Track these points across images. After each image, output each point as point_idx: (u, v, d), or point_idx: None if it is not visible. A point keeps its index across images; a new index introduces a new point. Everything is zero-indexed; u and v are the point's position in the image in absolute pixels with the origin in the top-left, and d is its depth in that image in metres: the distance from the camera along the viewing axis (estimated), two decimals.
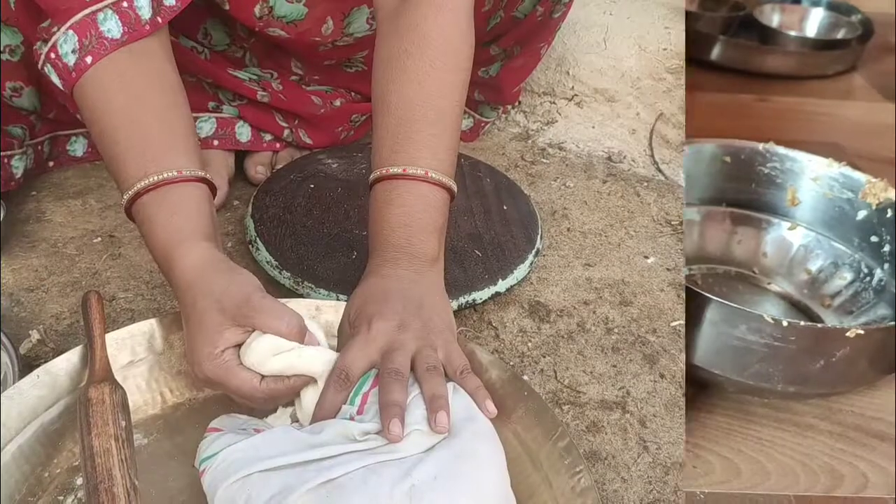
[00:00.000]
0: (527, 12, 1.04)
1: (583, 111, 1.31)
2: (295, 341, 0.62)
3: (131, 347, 0.67)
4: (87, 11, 0.71)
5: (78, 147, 1.02)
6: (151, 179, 0.66)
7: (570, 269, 0.94)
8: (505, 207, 0.97)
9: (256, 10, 0.89)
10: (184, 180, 0.67)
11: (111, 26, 0.71)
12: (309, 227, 0.90)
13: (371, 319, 0.64)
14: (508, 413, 0.64)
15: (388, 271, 0.68)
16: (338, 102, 1.06)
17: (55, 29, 0.72)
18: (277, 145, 1.06)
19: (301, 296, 0.82)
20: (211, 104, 1.02)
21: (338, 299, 0.80)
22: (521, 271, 0.88)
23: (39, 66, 0.74)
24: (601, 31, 1.35)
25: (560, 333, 0.84)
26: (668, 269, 0.96)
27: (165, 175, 0.66)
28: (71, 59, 0.71)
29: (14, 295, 0.82)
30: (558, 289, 0.91)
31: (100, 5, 0.71)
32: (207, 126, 1.02)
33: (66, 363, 0.65)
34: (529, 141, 1.24)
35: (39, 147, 0.98)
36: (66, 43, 0.71)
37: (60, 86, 0.73)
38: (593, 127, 1.29)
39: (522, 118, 1.29)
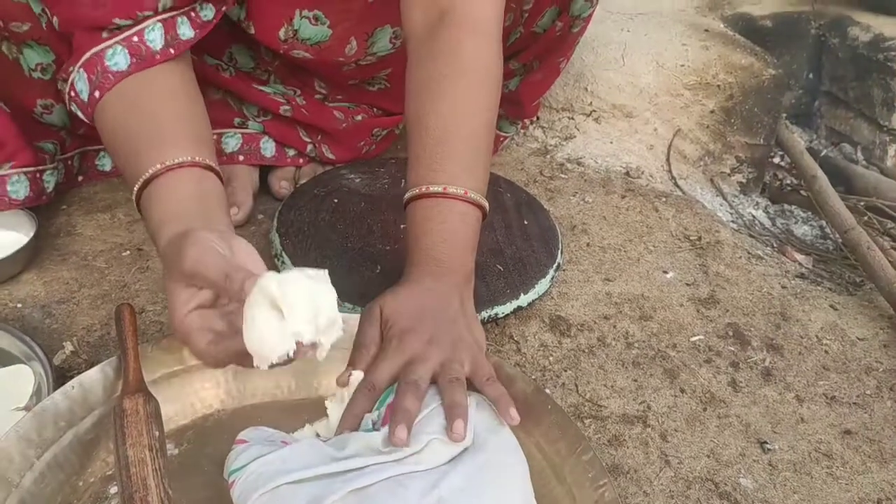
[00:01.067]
0: (546, 27, 1.06)
1: (601, 127, 1.32)
2: (235, 288, 0.58)
3: (163, 359, 0.69)
4: (95, 50, 0.76)
5: (107, 162, 1.05)
6: (142, 179, 0.70)
7: (590, 283, 0.95)
8: (525, 222, 0.99)
9: (281, 33, 0.91)
10: (168, 169, 0.69)
11: (118, 60, 0.76)
12: (333, 241, 0.92)
13: (403, 334, 0.66)
14: (532, 426, 0.65)
15: (429, 284, 0.70)
16: (359, 117, 1.08)
17: (71, 68, 0.77)
18: (301, 160, 1.08)
19: None
20: (236, 120, 1.04)
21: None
22: (542, 285, 0.89)
23: (67, 105, 0.80)
24: (619, 48, 1.37)
25: (581, 348, 0.85)
26: (687, 285, 0.97)
27: (149, 172, 0.69)
28: (85, 95, 0.77)
29: (46, 307, 0.84)
30: (578, 303, 0.91)
31: (108, 43, 0.76)
32: (233, 142, 1.04)
33: (99, 374, 0.66)
34: (548, 156, 1.25)
35: (69, 162, 1.00)
36: (79, 81, 0.77)
37: (85, 119, 0.79)
38: (611, 142, 1.30)
39: (541, 133, 1.31)
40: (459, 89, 0.75)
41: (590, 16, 1.07)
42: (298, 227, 0.94)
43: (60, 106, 0.93)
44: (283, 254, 0.90)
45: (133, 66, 0.76)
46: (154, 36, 0.78)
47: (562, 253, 0.96)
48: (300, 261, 0.88)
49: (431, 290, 0.70)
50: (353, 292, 0.84)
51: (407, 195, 0.74)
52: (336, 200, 0.99)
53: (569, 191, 1.15)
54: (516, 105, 1.18)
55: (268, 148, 1.06)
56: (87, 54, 0.76)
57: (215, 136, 1.03)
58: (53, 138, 0.95)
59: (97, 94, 0.76)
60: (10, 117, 0.87)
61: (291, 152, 1.08)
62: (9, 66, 0.88)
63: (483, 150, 0.76)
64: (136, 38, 0.77)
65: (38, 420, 0.61)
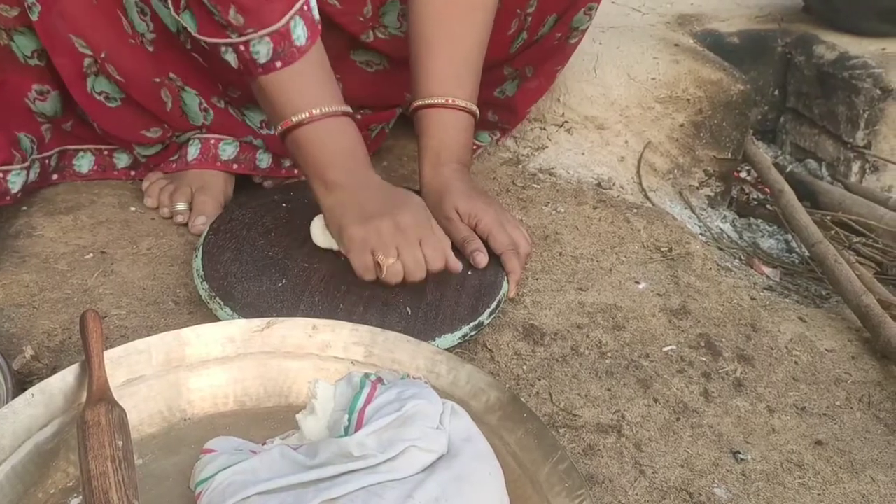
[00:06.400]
0: (544, 35, 1.08)
1: (573, 138, 1.32)
2: None
3: (128, 365, 0.67)
4: (283, 22, 0.78)
5: (84, 163, 1.02)
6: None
7: (563, 292, 0.95)
8: (469, 272, 0.88)
9: None
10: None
11: (299, 33, 0.80)
12: (258, 246, 0.88)
13: (490, 220, 0.91)
14: (507, 435, 0.64)
15: (464, 178, 0.94)
16: (358, 116, 1.08)
17: (250, 30, 0.78)
18: (296, 170, 1.05)
19: (210, 310, 0.81)
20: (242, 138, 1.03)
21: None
22: (444, 341, 0.80)
23: (220, 52, 0.81)
24: (591, 60, 1.38)
25: (554, 357, 0.84)
26: (658, 295, 0.97)
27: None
28: (262, 59, 0.79)
29: (4, 311, 0.81)
30: (552, 312, 0.91)
31: (291, 14, 0.79)
32: (230, 149, 1.02)
33: (60, 382, 0.64)
34: (520, 166, 1.25)
35: (46, 161, 0.97)
36: (259, 44, 0.79)
37: (245, 72, 0.82)
38: (583, 153, 1.31)
39: (513, 143, 1.30)
40: (486, 20, 0.94)
41: (587, 28, 1.10)
42: (233, 225, 0.91)
43: (56, 93, 0.92)
44: (201, 247, 0.87)
45: (309, 40, 0.81)
46: (313, 2, 0.81)
47: (493, 313, 0.85)
48: (210, 258, 0.85)
49: (469, 181, 0.94)
50: (242, 300, 0.80)
51: (432, 101, 0.92)
52: (285, 205, 0.96)
53: (541, 200, 1.15)
54: (510, 111, 1.19)
55: (263, 159, 1.04)
56: (278, 25, 0.78)
57: (213, 142, 1.02)
58: (34, 132, 0.92)
59: (279, 63, 0.80)
60: None
61: (287, 162, 1.05)
62: (1, 50, 0.86)
63: (480, 67, 0.96)
64: (306, 7, 0.80)
65: None
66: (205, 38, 0.80)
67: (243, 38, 0.78)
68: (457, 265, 0.84)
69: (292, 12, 0.78)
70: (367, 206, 0.81)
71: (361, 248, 0.80)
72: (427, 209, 0.85)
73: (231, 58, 0.80)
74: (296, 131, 0.82)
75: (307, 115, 0.81)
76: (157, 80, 0.94)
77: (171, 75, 0.95)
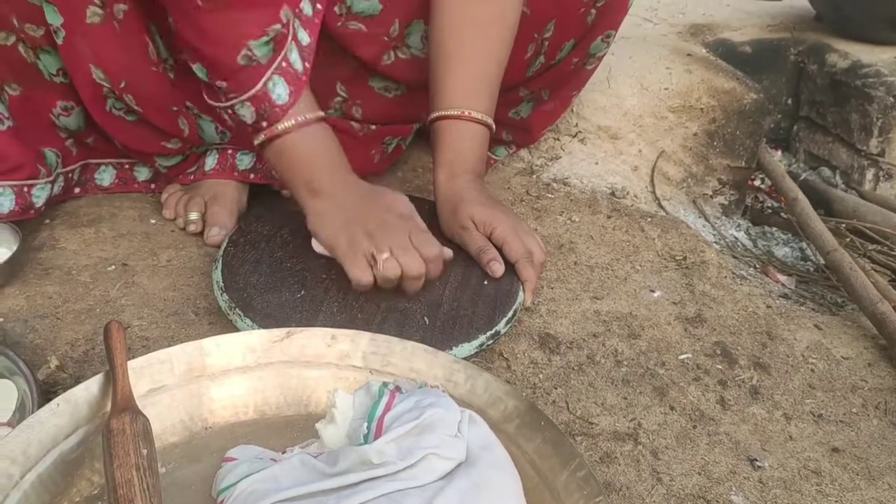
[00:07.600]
0: (562, 59, 1.09)
1: (586, 148, 1.33)
2: None
3: (151, 375, 0.68)
4: (259, 86, 0.80)
5: (106, 176, 1.04)
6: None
7: (579, 301, 0.95)
8: (485, 282, 0.89)
9: (336, 8, 0.95)
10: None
11: (280, 92, 0.81)
12: (277, 257, 0.89)
13: (505, 229, 0.91)
14: (525, 442, 0.65)
15: (478, 187, 0.95)
16: (373, 127, 1.09)
17: (232, 95, 0.80)
18: None
19: (230, 321, 0.82)
20: None
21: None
22: (462, 350, 0.81)
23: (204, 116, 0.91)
24: (604, 71, 1.38)
25: (571, 365, 0.85)
26: (673, 303, 0.98)
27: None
28: (249, 121, 0.82)
29: (28, 322, 0.82)
30: (567, 321, 0.92)
31: (267, 75, 0.80)
32: (247, 159, 1.03)
33: (84, 392, 0.65)
34: (534, 176, 1.26)
35: (70, 175, 0.99)
36: (242, 108, 0.81)
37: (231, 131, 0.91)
38: (596, 163, 1.31)
39: (527, 154, 1.31)
40: (505, 34, 0.95)
41: (603, 55, 1.12)
42: (252, 237, 0.92)
43: (80, 108, 0.94)
44: (220, 259, 0.88)
45: (292, 97, 0.82)
46: (294, 56, 0.82)
47: (509, 322, 0.86)
48: (230, 270, 0.86)
49: (484, 191, 0.95)
50: (262, 311, 0.81)
51: (441, 113, 0.94)
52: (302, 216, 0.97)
53: (555, 210, 1.15)
54: (526, 132, 1.20)
55: None
56: (254, 90, 0.79)
57: (231, 152, 1.03)
58: (58, 146, 0.94)
59: (264, 124, 0.82)
60: (15, 132, 0.88)
61: None
62: (28, 67, 0.88)
63: (498, 82, 0.97)
64: (284, 63, 0.80)
65: (23, 438, 0.60)
66: (210, 101, 0.84)
67: (228, 104, 0.81)
68: (448, 252, 0.87)
69: (269, 73, 0.79)
70: (350, 211, 0.83)
71: (354, 253, 0.81)
72: (410, 204, 0.88)
73: (227, 118, 0.84)
74: (278, 141, 0.84)
75: (293, 122, 0.83)
76: (175, 108, 0.96)
77: (188, 104, 0.96)
